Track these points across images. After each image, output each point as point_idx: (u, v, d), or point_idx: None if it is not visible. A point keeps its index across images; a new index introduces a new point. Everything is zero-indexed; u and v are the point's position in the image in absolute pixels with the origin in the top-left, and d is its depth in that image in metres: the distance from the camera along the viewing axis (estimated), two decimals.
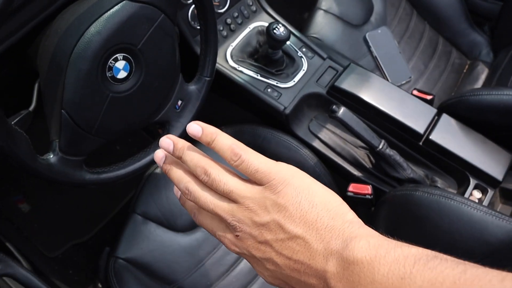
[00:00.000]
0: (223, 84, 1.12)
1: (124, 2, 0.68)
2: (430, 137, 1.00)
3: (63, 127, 0.68)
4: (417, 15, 1.42)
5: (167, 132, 0.85)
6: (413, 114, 1.03)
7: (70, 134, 0.69)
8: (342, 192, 1.08)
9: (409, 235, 0.87)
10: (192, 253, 1.04)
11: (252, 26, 1.18)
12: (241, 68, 1.11)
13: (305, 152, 1.08)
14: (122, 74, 0.71)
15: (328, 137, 1.11)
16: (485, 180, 0.98)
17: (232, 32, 1.15)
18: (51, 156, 0.69)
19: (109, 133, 0.75)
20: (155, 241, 1.03)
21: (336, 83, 1.07)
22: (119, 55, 0.70)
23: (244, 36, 1.15)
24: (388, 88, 1.07)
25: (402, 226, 0.90)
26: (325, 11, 1.32)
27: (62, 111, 0.67)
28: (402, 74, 1.32)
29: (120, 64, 0.70)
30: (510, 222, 0.78)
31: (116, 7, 0.68)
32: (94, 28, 0.66)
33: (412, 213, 0.87)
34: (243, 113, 1.24)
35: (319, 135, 1.12)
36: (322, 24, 1.30)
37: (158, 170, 1.09)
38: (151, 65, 0.74)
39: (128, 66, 0.72)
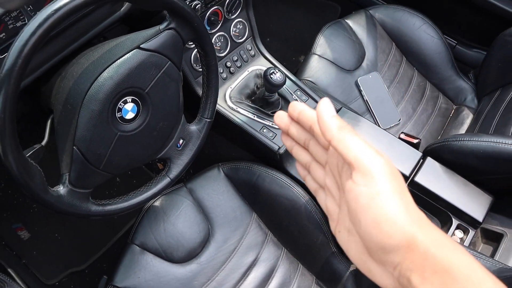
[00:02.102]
0: (221, 123, 1.19)
1: (135, 50, 0.76)
2: (415, 179, 1.06)
3: (73, 162, 0.74)
4: (406, 62, 1.51)
5: (168, 169, 0.91)
6: (399, 157, 1.09)
7: (80, 169, 0.75)
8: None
9: None
10: (186, 284, 1.08)
11: (250, 69, 1.25)
12: (239, 109, 1.18)
13: (297, 190, 1.13)
14: (130, 115, 0.78)
15: None
16: (466, 221, 1.04)
17: (232, 74, 1.23)
18: (61, 188, 0.74)
19: (115, 168, 0.80)
20: (151, 271, 1.07)
21: None
22: (128, 98, 0.76)
23: (242, 79, 1.23)
24: (377, 132, 1.14)
25: None
26: (320, 56, 1.40)
27: (74, 147, 0.73)
28: (391, 117, 1.39)
29: (129, 106, 0.77)
30: (488, 262, 0.84)
31: (127, 55, 0.75)
32: (107, 73, 0.73)
33: None
34: (239, 151, 1.30)
35: None
36: (317, 68, 1.38)
37: (157, 203, 1.14)
38: (157, 107, 0.81)
39: (136, 108, 0.78)
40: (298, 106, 0.44)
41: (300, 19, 1.95)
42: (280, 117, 0.46)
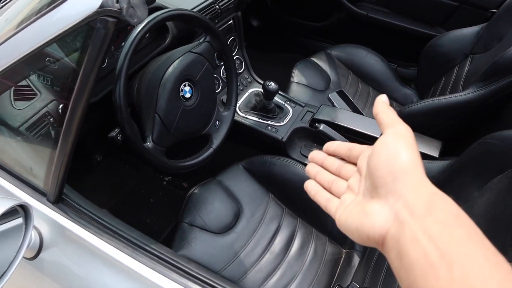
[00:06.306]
0: (236, 129, 1.57)
1: (188, 52, 1.16)
2: None
3: (155, 124, 1.10)
4: (362, 82, 1.98)
5: (211, 142, 1.27)
6: (369, 126, 1.50)
7: (159, 130, 1.11)
8: None
9: None
10: (229, 248, 1.37)
11: (249, 91, 1.68)
12: (248, 116, 1.58)
13: (301, 166, 1.49)
14: (187, 95, 1.16)
15: None
16: (426, 158, 1.43)
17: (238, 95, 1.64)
18: (148, 144, 1.09)
19: (179, 133, 1.16)
20: (200, 241, 1.36)
21: (315, 116, 1.55)
22: (186, 83, 1.15)
23: (246, 97, 1.65)
24: (349, 114, 1.56)
25: None
26: (297, 83, 1.85)
27: (156, 114, 1.10)
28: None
29: (187, 88, 1.16)
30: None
31: (184, 55, 1.15)
32: (172, 66, 1.13)
33: None
34: (251, 152, 1.66)
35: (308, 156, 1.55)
36: (297, 91, 1.82)
37: (196, 191, 1.46)
38: (203, 91, 1.20)
39: (192, 90, 1.17)
40: (334, 142, 0.57)
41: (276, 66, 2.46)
42: (316, 153, 0.59)
